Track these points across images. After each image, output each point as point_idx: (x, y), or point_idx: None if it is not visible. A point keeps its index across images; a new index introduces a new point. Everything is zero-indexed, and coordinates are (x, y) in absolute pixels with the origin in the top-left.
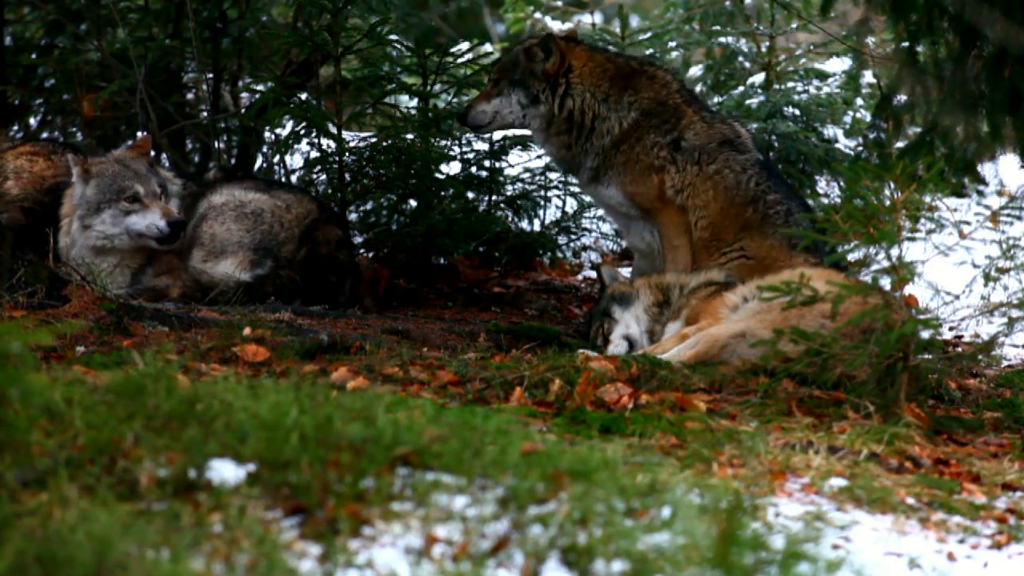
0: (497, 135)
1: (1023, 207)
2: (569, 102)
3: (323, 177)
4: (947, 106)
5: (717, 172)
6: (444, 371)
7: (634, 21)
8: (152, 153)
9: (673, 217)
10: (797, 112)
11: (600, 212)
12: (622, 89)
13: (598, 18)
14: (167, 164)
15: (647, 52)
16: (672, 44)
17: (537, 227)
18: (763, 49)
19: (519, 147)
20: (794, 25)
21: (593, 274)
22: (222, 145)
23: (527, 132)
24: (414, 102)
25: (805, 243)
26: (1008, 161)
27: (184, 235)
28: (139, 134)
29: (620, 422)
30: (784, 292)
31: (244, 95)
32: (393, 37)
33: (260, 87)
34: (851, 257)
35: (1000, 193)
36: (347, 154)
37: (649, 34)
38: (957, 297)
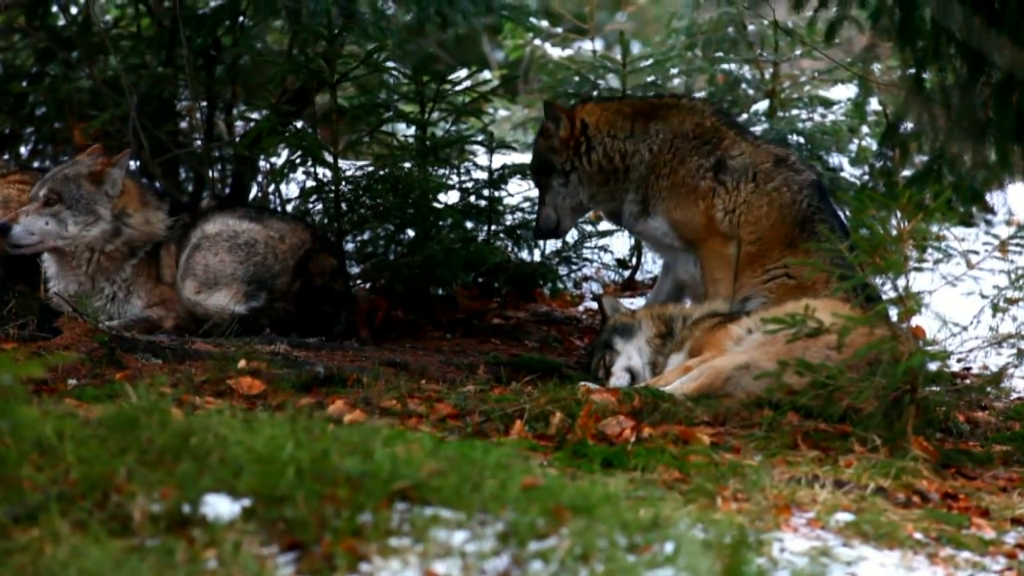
0: (496, 163)
1: None
2: (594, 154)
3: (319, 207)
4: (954, 134)
5: (775, 189)
6: (443, 404)
7: (635, 48)
8: (116, 171)
9: (716, 249)
10: (802, 140)
11: (602, 242)
12: (647, 122)
13: (599, 45)
14: (158, 187)
15: (648, 79)
16: (674, 71)
17: (537, 257)
18: (767, 76)
19: (519, 176)
20: (798, 52)
21: (594, 305)
22: (216, 174)
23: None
24: (412, 130)
25: (812, 273)
26: (1017, 190)
27: (13, 242)
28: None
29: (622, 456)
30: (789, 323)
31: (238, 123)
32: (390, 64)
33: (255, 115)
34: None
35: (1009, 222)
36: (343, 183)
37: (651, 61)
38: (965, 328)
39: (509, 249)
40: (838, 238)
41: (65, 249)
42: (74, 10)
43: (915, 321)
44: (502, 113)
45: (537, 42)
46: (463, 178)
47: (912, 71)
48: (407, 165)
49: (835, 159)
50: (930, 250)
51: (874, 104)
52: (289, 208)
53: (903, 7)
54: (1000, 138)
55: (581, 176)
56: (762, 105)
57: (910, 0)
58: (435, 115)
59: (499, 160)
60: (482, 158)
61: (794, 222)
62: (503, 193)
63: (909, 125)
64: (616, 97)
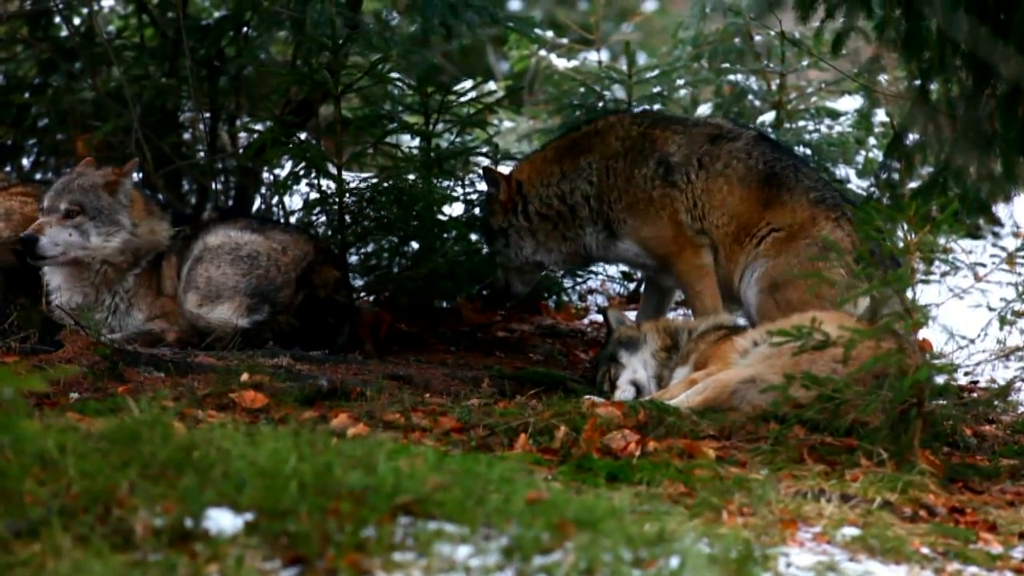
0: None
1: None
2: (531, 207)
3: (323, 219)
4: (960, 145)
5: (726, 166)
6: (447, 418)
7: (641, 58)
8: (128, 180)
9: (691, 261)
10: (808, 151)
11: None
12: (575, 158)
13: (605, 55)
14: (161, 198)
15: (654, 90)
16: (680, 82)
17: None
18: (773, 87)
19: None
20: (805, 63)
21: (599, 318)
22: (219, 186)
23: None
24: (416, 142)
25: (818, 257)
26: (1023, 201)
27: (40, 253)
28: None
29: (627, 470)
30: (795, 336)
31: (242, 135)
32: (394, 75)
33: (258, 126)
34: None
35: (1016, 234)
36: (347, 195)
37: (657, 72)
38: (972, 341)
39: None
40: (806, 174)
41: (84, 260)
42: (77, 21)
43: (922, 334)
44: (507, 125)
45: (542, 53)
46: (468, 190)
47: (918, 82)
48: (411, 177)
49: (842, 171)
50: (937, 262)
51: (881, 115)
52: (292, 220)
53: (909, 18)
54: (1006, 150)
55: (520, 231)
56: (769, 116)
57: (916, 10)
58: (440, 126)
59: (504, 172)
60: None
61: (760, 185)
62: None
63: (914, 136)
64: (543, 145)
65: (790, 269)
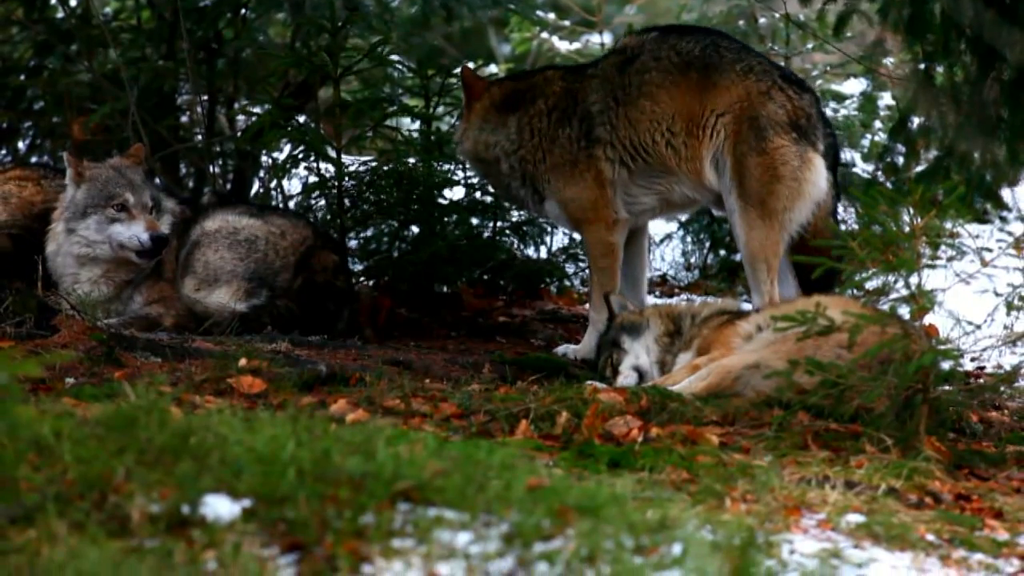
0: None
1: None
2: (468, 144)
3: (322, 202)
4: (964, 131)
5: (641, 84)
6: (447, 403)
7: None
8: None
9: (600, 234)
10: None
11: None
12: (508, 112)
13: (607, 38)
14: (160, 184)
15: None
16: None
17: (544, 254)
18: None
19: None
20: (810, 45)
21: None
22: (217, 169)
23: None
24: (416, 125)
25: (820, 271)
26: None
27: (167, 252)
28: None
29: (629, 456)
30: (799, 322)
31: (240, 118)
32: (394, 57)
33: (256, 109)
34: (869, 285)
35: (1023, 219)
36: (346, 179)
37: None
38: (979, 326)
39: (515, 246)
40: (727, 48)
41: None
42: (73, 2)
43: (928, 319)
44: None
45: (544, 35)
46: (468, 173)
47: (922, 66)
48: (411, 160)
49: (847, 154)
50: (943, 247)
51: (887, 99)
52: (291, 204)
53: (913, 0)
54: (1011, 136)
55: (464, 155)
56: None
57: None
58: (440, 109)
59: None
60: None
61: (686, 73)
62: None
63: (919, 120)
64: (512, 75)
65: (756, 176)
